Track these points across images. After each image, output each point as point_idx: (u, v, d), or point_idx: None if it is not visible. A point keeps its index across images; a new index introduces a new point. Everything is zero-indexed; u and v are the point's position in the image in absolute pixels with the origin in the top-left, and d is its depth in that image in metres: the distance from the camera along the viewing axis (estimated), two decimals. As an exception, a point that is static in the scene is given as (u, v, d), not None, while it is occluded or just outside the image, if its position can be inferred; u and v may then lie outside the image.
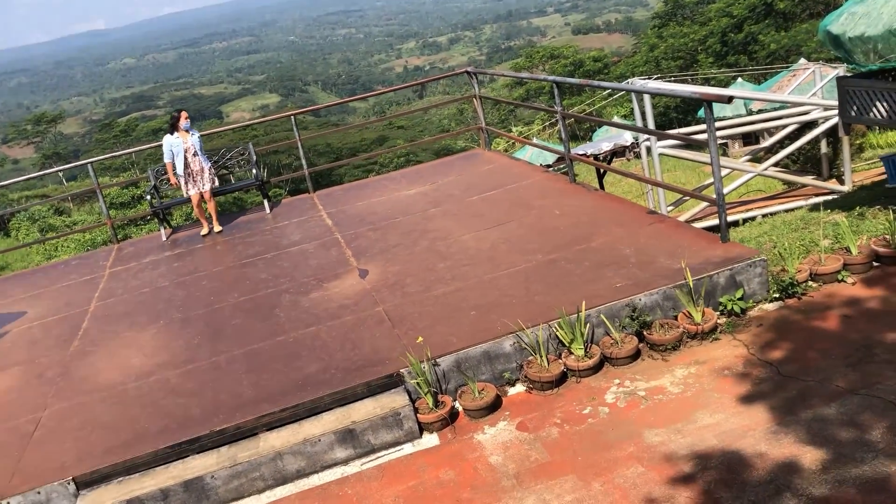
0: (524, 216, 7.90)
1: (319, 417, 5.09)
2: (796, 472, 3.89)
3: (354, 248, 8.07)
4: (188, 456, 4.97)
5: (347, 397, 5.18)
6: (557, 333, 5.39)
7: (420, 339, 5.41)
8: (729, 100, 5.86)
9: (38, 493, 4.77)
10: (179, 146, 9.44)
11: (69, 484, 4.81)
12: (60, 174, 70.05)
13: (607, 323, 5.43)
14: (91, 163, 10.24)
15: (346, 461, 4.91)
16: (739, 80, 36.30)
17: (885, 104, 8.04)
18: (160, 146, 9.70)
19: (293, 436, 4.94)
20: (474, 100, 10.99)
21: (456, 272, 6.79)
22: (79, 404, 5.89)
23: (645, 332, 5.44)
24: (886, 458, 3.84)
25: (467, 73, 10.85)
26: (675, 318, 5.55)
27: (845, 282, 5.74)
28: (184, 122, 9.50)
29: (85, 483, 4.84)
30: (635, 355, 5.36)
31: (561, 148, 9.13)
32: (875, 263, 5.86)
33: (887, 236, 5.93)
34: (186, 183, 9.54)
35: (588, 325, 5.40)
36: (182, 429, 5.14)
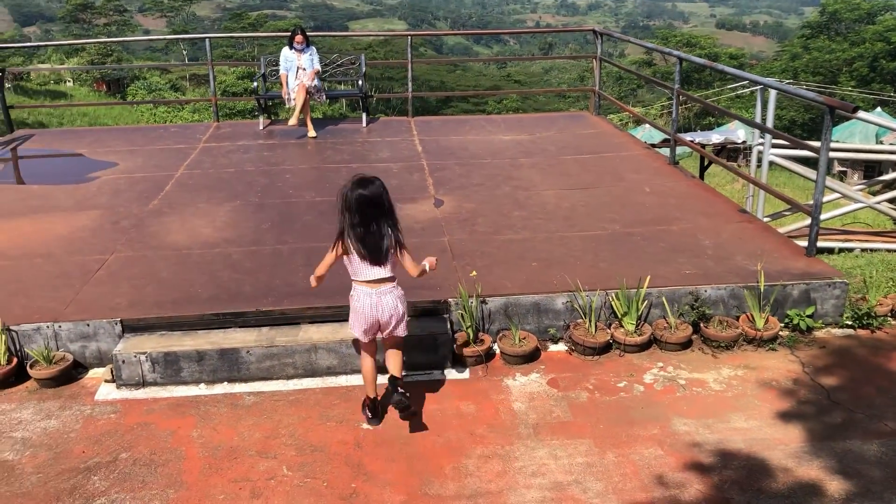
0: (612, 185, 7.72)
1: (360, 324, 5.15)
2: (816, 497, 3.74)
3: (437, 177, 8.06)
4: (230, 328, 5.13)
5: (392, 312, 5.22)
6: (612, 303, 5.28)
7: (474, 273, 5.40)
8: (854, 110, 5.53)
9: (87, 325, 5.02)
10: (293, 62, 9.59)
11: (116, 325, 5.03)
12: (184, 52, 72.14)
13: (666, 305, 5.29)
14: (209, 38, 10.48)
15: (375, 371, 4.97)
16: (879, 109, 34.35)
17: None
18: (277, 39, 9.84)
19: (332, 333, 5.04)
20: (594, 61, 10.70)
21: (529, 223, 6.72)
22: (143, 256, 6.13)
23: (702, 325, 5.29)
24: (916, 506, 3.65)
25: (594, 31, 10.56)
26: (737, 318, 5.37)
27: (926, 327, 5.43)
28: (297, 44, 9.57)
29: (131, 328, 5.06)
30: (686, 344, 5.22)
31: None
32: (964, 317, 5.52)
33: None
34: (293, 98, 9.67)
35: (646, 302, 5.27)
36: (231, 301, 5.30)
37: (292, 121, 9.79)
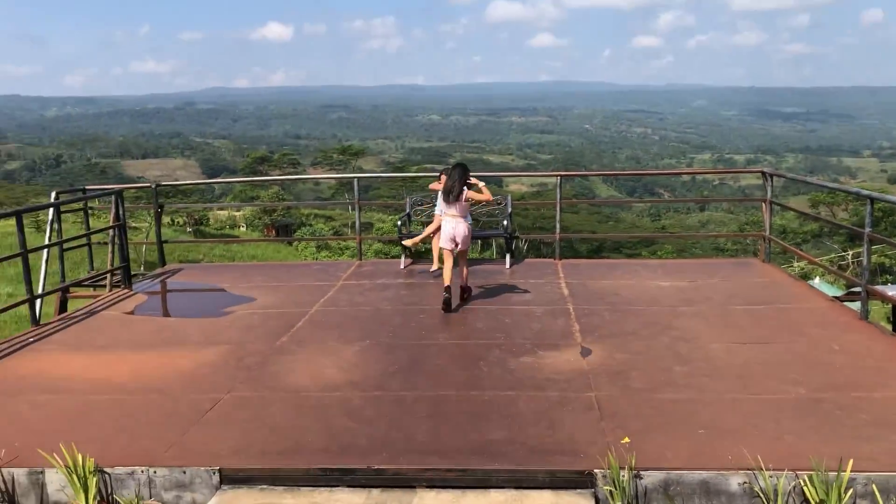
0: (792, 341, 6.61)
1: (486, 493, 4.33)
2: None
3: (584, 323, 7.26)
4: (338, 486, 4.45)
5: (524, 481, 4.37)
6: (804, 488, 4.17)
7: (626, 439, 4.47)
8: None
9: (184, 472, 4.49)
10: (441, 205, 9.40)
11: (215, 474, 4.48)
12: (348, 201, 76.32)
13: (877, 496, 4.11)
14: (357, 177, 10.51)
15: (501, 554, 4.09)
16: None
17: None
18: (427, 179, 9.73)
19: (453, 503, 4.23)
20: (763, 204, 9.75)
21: (693, 380, 5.74)
22: (259, 398, 5.66)
23: (929, 526, 4.05)
24: None
25: (763, 172, 9.68)
26: (979, 521, 4.09)
27: None
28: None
29: (229, 478, 4.49)
30: (909, 552, 3.98)
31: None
32: None
33: None
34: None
35: (851, 491, 4.12)
36: (342, 454, 4.64)
37: (434, 266, 9.39)
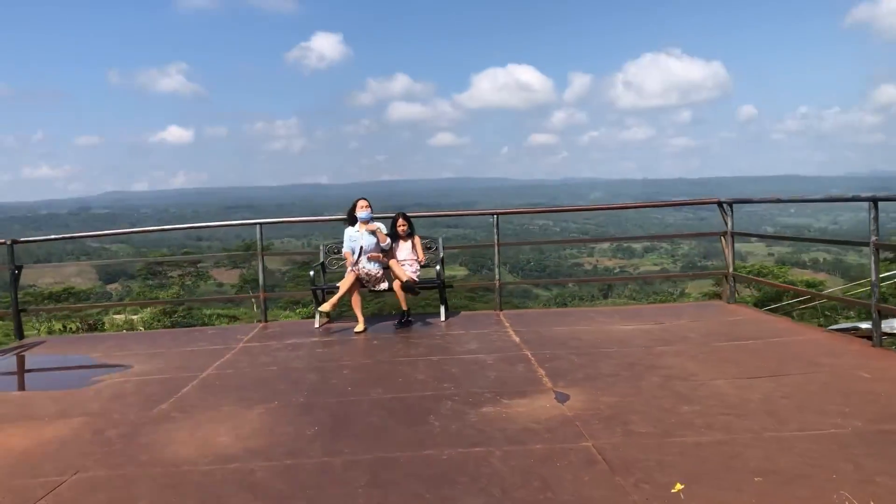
0: (809, 372, 5.37)
1: (471, 591, 2.77)
2: None
3: (550, 368, 5.84)
4: None
5: (528, 567, 2.84)
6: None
7: (679, 486, 3.02)
8: None
9: None
10: (357, 240, 8.09)
11: (26, 593, 2.75)
12: (254, 303, 73.11)
13: None
14: (260, 223, 8.95)
15: None
16: None
17: None
18: (337, 224, 8.42)
19: None
20: (723, 238, 8.72)
21: (712, 420, 4.37)
22: (119, 476, 3.93)
23: None
24: None
25: (719, 203, 8.66)
26: None
27: None
28: (361, 209, 8.13)
29: None
30: None
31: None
32: None
33: None
34: (357, 262, 7.97)
35: None
36: (239, 549, 3.00)
37: (359, 327, 7.82)
